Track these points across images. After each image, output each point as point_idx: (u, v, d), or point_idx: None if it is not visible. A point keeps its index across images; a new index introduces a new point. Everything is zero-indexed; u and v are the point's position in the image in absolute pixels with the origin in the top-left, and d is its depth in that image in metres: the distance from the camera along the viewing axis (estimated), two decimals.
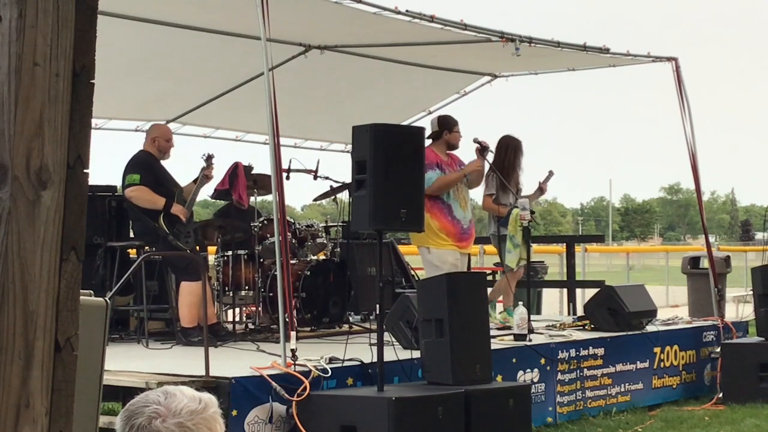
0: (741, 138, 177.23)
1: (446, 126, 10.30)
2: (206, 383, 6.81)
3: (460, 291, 7.70)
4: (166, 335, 9.75)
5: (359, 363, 7.76)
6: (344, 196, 10.89)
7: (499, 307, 11.41)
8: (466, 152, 10.36)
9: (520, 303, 9.79)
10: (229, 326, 10.05)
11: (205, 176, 9.55)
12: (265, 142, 12.06)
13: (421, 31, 10.16)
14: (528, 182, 11.11)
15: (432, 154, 9.89)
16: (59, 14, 1.93)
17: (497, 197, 10.61)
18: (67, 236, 1.95)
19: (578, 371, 9.62)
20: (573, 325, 10.73)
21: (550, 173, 11.19)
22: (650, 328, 10.70)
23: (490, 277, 12.33)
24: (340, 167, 15.46)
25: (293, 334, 7.44)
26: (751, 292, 11.48)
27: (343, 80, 12.56)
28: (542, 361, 9.25)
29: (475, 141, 10.28)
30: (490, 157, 10.49)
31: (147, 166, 9.40)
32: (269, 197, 10.17)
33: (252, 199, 10.59)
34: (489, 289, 10.56)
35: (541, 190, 11.16)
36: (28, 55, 1.90)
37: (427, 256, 10.07)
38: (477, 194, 10.96)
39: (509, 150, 10.82)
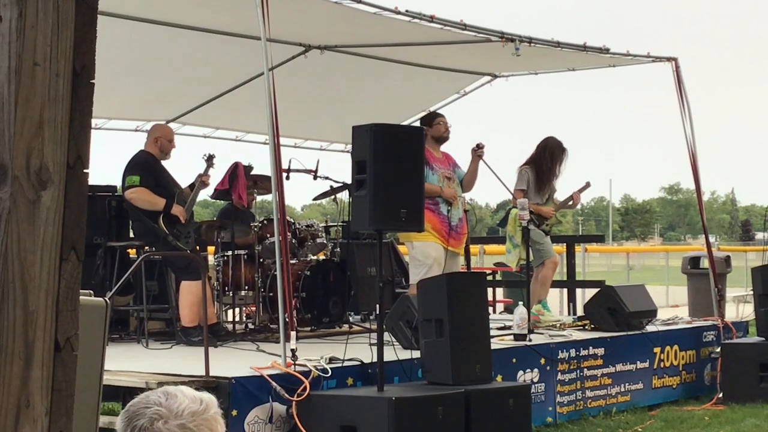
0: (741, 138, 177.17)
1: (426, 122, 10.03)
2: (206, 383, 6.81)
3: (460, 291, 7.69)
4: (166, 335, 9.76)
5: (359, 363, 7.76)
6: (344, 196, 10.89)
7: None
8: (464, 153, 10.32)
9: (520, 303, 9.79)
10: (229, 326, 10.05)
11: (202, 182, 9.55)
12: (265, 142, 12.05)
13: (421, 31, 10.15)
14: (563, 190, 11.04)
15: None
16: (59, 14, 1.93)
17: (528, 194, 10.51)
18: (67, 236, 1.95)
19: (578, 371, 9.61)
20: (573, 325, 10.73)
21: (587, 185, 11.14)
22: (650, 328, 10.70)
23: (490, 277, 12.32)
24: (340, 167, 15.47)
25: (293, 334, 7.44)
26: (751, 292, 11.48)
27: (343, 80, 12.56)
28: (542, 361, 9.24)
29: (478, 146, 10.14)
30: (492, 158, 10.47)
31: (147, 167, 9.39)
32: (269, 197, 10.17)
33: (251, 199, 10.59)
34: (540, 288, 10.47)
35: (572, 199, 11.10)
36: (28, 55, 1.89)
37: (412, 251, 9.78)
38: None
39: (547, 152, 10.74)
